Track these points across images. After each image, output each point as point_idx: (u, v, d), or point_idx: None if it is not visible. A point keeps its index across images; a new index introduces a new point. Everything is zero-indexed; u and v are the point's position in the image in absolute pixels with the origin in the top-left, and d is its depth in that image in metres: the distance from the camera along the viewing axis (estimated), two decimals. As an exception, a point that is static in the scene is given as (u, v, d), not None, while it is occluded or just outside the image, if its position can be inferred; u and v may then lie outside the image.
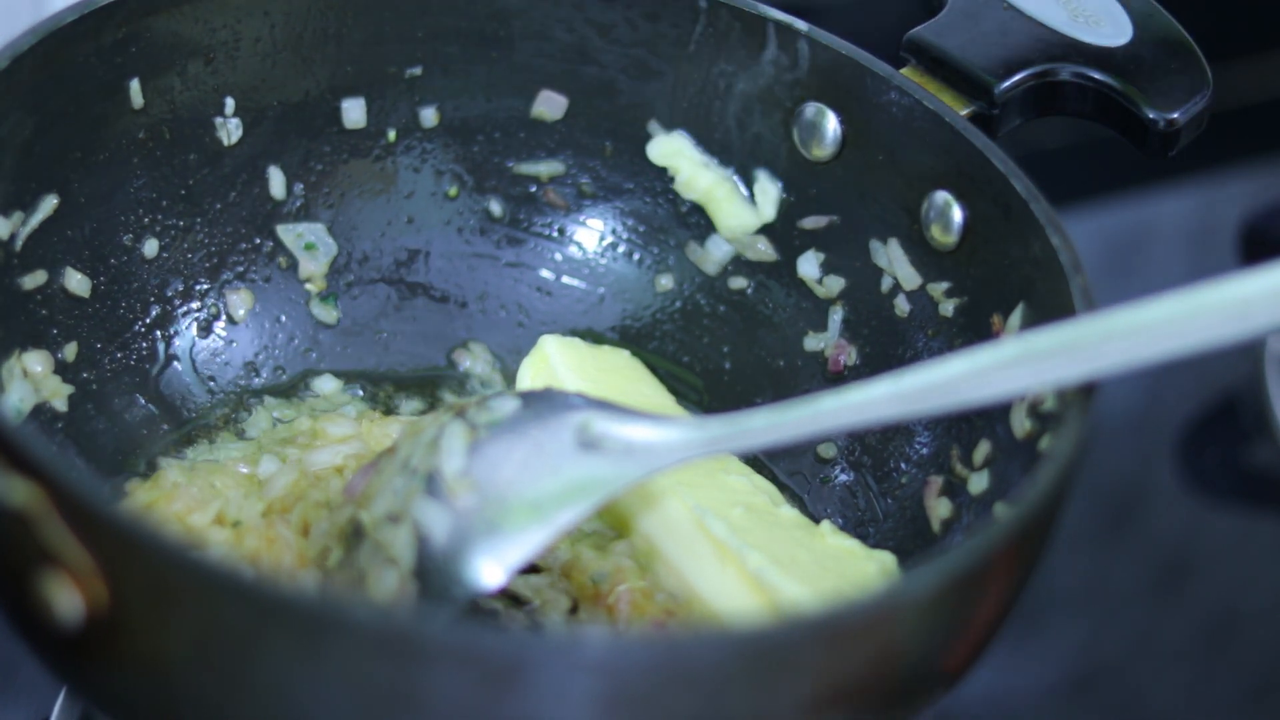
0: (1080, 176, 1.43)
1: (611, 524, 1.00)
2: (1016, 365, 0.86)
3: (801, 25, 1.04)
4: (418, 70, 1.07)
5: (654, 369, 1.09)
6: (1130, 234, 1.44)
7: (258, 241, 1.07)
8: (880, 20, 1.08)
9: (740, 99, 1.06)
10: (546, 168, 1.10)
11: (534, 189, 1.11)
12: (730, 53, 1.05)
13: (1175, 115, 1.01)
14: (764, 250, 1.08)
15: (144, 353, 1.03)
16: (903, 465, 1.03)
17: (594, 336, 1.10)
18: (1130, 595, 1.23)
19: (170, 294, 1.04)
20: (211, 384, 1.05)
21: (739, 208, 1.08)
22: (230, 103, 1.04)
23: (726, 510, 0.98)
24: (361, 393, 1.08)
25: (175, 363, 1.05)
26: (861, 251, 1.05)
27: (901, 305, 1.04)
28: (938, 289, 1.02)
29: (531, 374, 1.05)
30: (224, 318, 1.06)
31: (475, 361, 1.10)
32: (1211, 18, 1.17)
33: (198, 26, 1.01)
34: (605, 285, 1.11)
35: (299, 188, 1.07)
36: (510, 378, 1.09)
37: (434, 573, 0.88)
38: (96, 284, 1.01)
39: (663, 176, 1.09)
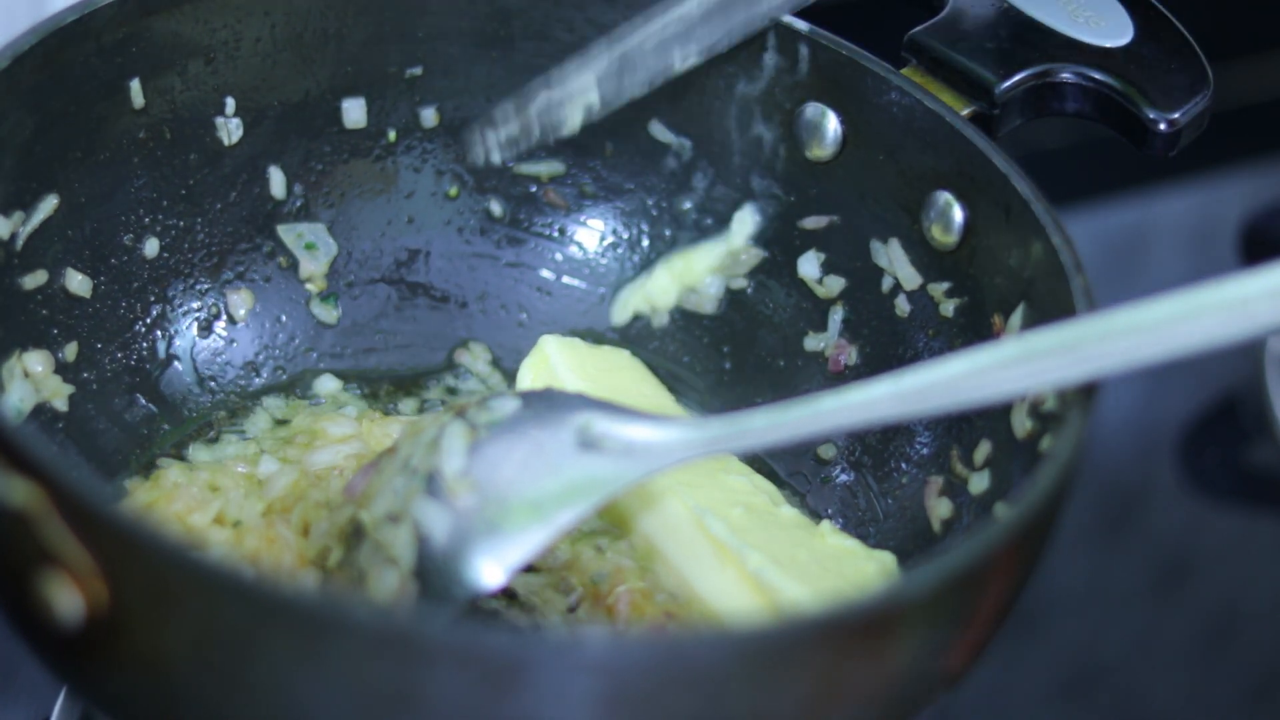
0: (1080, 176, 1.43)
1: (612, 524, 1.00)
2: (1017, 365, 0.86)
3: (802, 26, 1.04)
4: (418, 70, 1.07)
5: (654, 369, 1.09)
6: (1130, 234, 1.44)
7: (258, 241, 1.07)
8: (880, 20, 1.08)
9: (741, 99, 1.06)
10: (547, 168, 1.10)
11: (534, 189, 1.11)
12: (731, 53, 1.05)
13: (1175, 115, 1.01)
14: (748, 259, 1.08)
15: (144, 353, 1.03)
16: (903, 465, 1.03)
17: (594, 336, 1.10)
18: (1130, 595, 1.22)
19: (171, 294, 1.04)
20: (212, 384, 1.05)
21: (709, 254, 1.08)
22: (231, 102, 1.04)
23: (726, 510, 0.98)
24: (361, 393, 1.08)
25: (175, 363, 1.05)
26: (862, 251, 1.05)
27: (902, 305, 1.04)
28: (938, 289, 1.02)
29: (531, 374, 1.05)
30: (224, 317, 1.06)
31: (475, 361, 1.10)
32: (1211, 18, 1.17)
33: (198, 26, 1.01)
34: (605, 285, 1.11)
35: (299, 188, 1.07)
36: (510, 378, 1.09)
37: (434, 573, 0.88)
38: (97, 284, 1.01)
39: (663, 176, 1.09)
